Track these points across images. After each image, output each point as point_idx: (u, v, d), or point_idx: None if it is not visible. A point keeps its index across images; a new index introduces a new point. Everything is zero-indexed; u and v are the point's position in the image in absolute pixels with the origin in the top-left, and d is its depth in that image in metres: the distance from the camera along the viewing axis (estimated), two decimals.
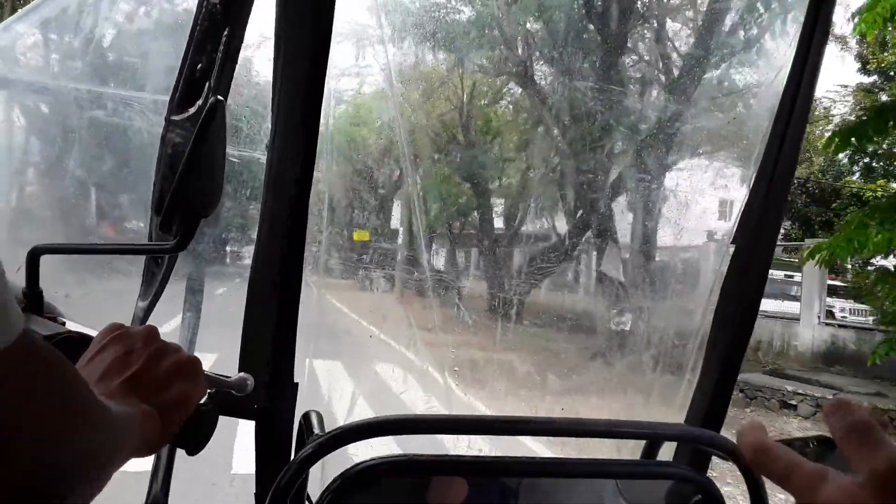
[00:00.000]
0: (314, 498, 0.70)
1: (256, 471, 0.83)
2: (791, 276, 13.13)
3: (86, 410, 0.40)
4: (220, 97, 0.70)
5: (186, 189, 0.65)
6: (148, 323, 0.79)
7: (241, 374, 0.74)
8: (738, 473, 0.68)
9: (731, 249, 0.93)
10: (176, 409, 0.54)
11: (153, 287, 0.84)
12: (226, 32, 0.83)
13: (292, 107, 0.81)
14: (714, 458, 0.84)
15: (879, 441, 0.38)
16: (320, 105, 0.82)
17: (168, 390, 0.54)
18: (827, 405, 0.41)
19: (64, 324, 0.76)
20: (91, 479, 0.42)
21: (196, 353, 0.65)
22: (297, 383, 0.83)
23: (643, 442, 0.89)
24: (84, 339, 0.64)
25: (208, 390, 0.71)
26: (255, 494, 0.83)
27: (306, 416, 0.77)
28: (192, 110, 0.94)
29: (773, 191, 0.88)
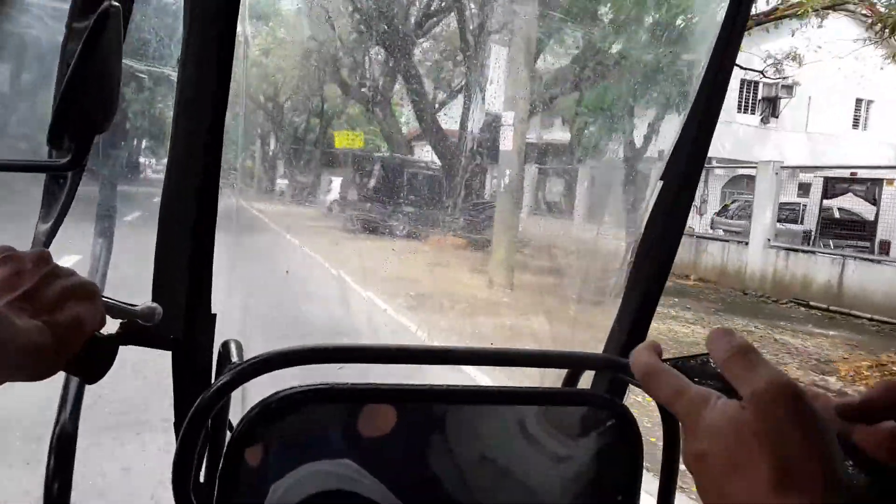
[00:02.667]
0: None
1: (175, 401, 0.81)
2: None
3: None
4: (114, 3, 0.64)
5: (75, 102, 0.60)
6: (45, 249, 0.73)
7: (148, 303, 0.70)
8: None
9: (660, 185, 0.95)
10: (69, 331, 0.51)
11: (54, 209, 0.78)
12: None
13: (205, 20, 0.75)
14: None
15: (758, 363, 0.38)
16: (236, 19, 0.76)
17: (61, 311, 0.51)
18: (710, 333, 0.42)
19: None
20: None
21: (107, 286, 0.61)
22: (214, 314, 0.80)
23: (564, 372, 0.92)
24: None
25: (119, 321, 0.67)
26: (175, 425, 0.81)
27: (225, 345, 0.75)
28: (93, 17, 0.85)
29: (702, 130, 0.90)
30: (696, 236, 12.71)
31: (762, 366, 0.38)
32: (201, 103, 0.75)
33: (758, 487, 0.35)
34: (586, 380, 0.93)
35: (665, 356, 0.45)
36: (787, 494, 0.34)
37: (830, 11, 14.16)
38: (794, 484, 0.34)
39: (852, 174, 12.02)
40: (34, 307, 0.50)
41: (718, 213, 15.15)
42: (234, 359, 0.72)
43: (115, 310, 0.64)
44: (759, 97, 20.66)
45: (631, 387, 0.90)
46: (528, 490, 0.84)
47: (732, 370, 0.39)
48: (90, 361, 0.57)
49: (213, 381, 0.79)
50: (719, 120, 0.92)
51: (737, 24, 0.85)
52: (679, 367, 0.44)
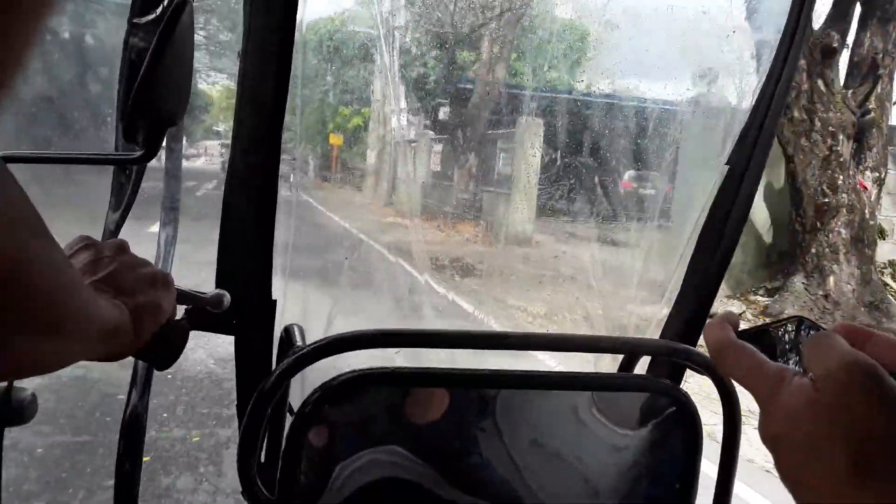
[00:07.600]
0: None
1: (237, 385, 0.84)
2: None
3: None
4: None
5: (149, 97, 0.61)
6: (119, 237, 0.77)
7: (217, 290, 0.72)
8: None
9: (725, 170, 0.93)
10: (147, 315, 0.53)
11: (122, 199, 0.81)
12: None
13: (266, 10, 0.76)
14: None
15: (835, 344, 0.38)
16: (295, 11, 0.78)
17: (140, 295, 0.53)
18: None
19: None
20: (45, 327, 0.40)
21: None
22: (275, 300, 0.82)
23: (620, 358, 0.91)
24: None
25: (185, 307, 0.70)
26: (237, 407, 0.84)
27: (287, 330, 0.77)
28: (157, 12, 0.88)
29: (769, 115, 0.88)
30: None
31: (837, 346, 0.37)
32: (262, 94, 0.76)
33: (836, 472, 0.34)
34: (640, 367, 0.92)
35: None
36: (865, 481, 0.33)
37: None
38: (874, 470, 0.33)
39: None
40: (114, 290, 0.52)
41: None
42: (298, 342, 0.73)
43: (185, 296, 0.66)
44: None
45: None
46: (582, 477, 0.84)
47: (810, 352, 0.38)
48: (162, 347, 0.59)
49: (273, 365, 0.81)
50: None
51: (805, 2, 0.82)
52: (752, 338, 0.43)
